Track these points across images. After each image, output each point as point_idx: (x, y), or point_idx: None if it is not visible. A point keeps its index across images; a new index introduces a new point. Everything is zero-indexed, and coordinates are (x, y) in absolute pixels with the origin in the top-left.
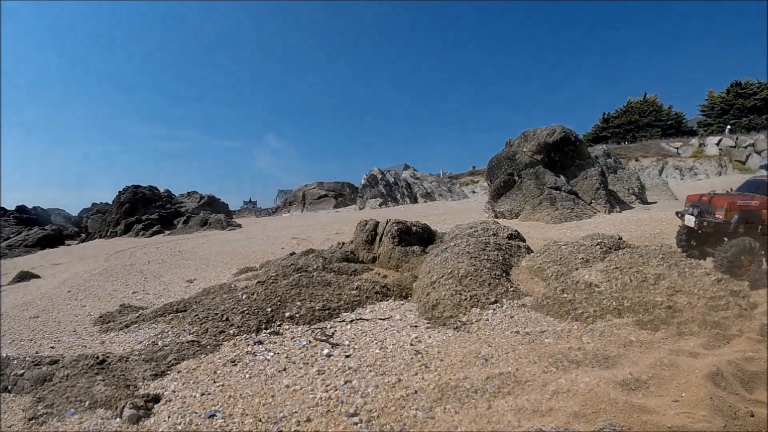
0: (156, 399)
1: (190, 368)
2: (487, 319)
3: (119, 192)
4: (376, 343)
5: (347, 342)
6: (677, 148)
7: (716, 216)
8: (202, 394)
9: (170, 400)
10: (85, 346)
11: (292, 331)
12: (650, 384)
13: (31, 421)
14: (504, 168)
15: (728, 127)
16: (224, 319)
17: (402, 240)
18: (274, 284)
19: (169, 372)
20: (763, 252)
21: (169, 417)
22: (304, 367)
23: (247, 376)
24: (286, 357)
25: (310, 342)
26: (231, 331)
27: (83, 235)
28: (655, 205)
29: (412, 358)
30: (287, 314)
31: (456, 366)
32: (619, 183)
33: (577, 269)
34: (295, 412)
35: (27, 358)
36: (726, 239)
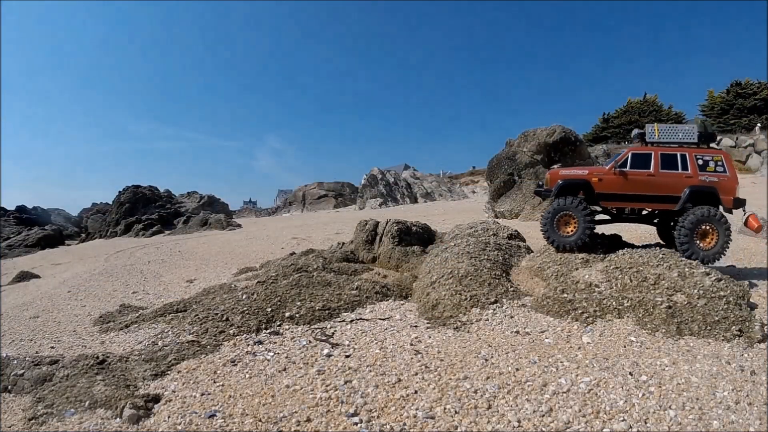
0: (156, 399)
1: (190, 368)
2: (487, 319)
3: (119, 192)
4: (376, 343)
5: (347, 342)
6: None
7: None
8: (202, 394)
9: (170, 400)
10: (85, 346)
11: (292, 331)
12: (651, 384)
13: (31, 421)
14: (504, 168)
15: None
16: (224, 319)
17: (402, 240)
18: (274, 284)
19: (169, 372)
20: (583, 213)
21: (169, 417)
22: (304, 367)
23: (247, 376)
24: (286, 357)
25: (310, 342)
26: (231, 331)
27: (83, 235)
28: None
29: (412, 358)
30: (287, 314)
31: (456, 366)
32: None
33: (577, 269)
34: (295, 412)
35: (27, 358)
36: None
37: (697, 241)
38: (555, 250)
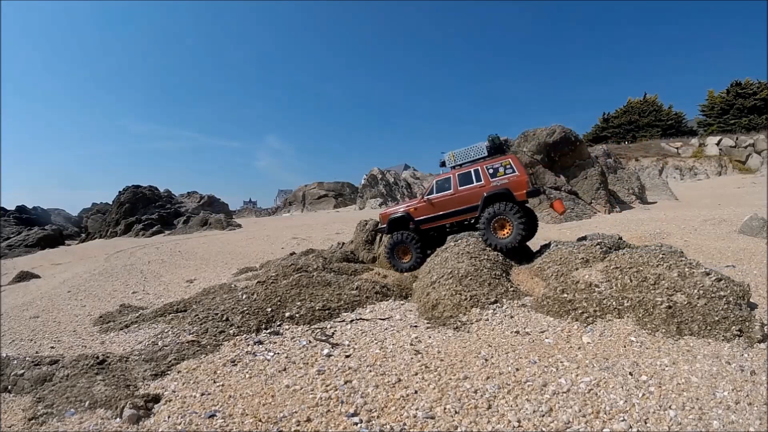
0: (156, 399)
1: (190, 368)
2: (487, 319)
3: (119, 192)
4: (376, 343)
5: (347, 342)
6: (677, 148)
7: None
8: (202, 394)
9: (170, 400)
10: (85, 346)
11: (292, 331)
12: (651, 384)
13: (31, 421)
14: None
15: None
16: (224, 319)
17: None
18: (274, 284)
19: (169, 372)
20: (415, 244)
21: (169, 417)
22: (304, 367)
23: (247, 376)
24: (286, 357)
25: (310, 342)
26: (231, 331)
27: (83, 235)
28: (655, 205)
29: (412, 358)
30: (287, 314)
31: (456, 366)
32: (619, 183)
33: (577, 269)
34: (295, 412)
35: (27, 358)
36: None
37: (496, 232)
38: (399, 273)
